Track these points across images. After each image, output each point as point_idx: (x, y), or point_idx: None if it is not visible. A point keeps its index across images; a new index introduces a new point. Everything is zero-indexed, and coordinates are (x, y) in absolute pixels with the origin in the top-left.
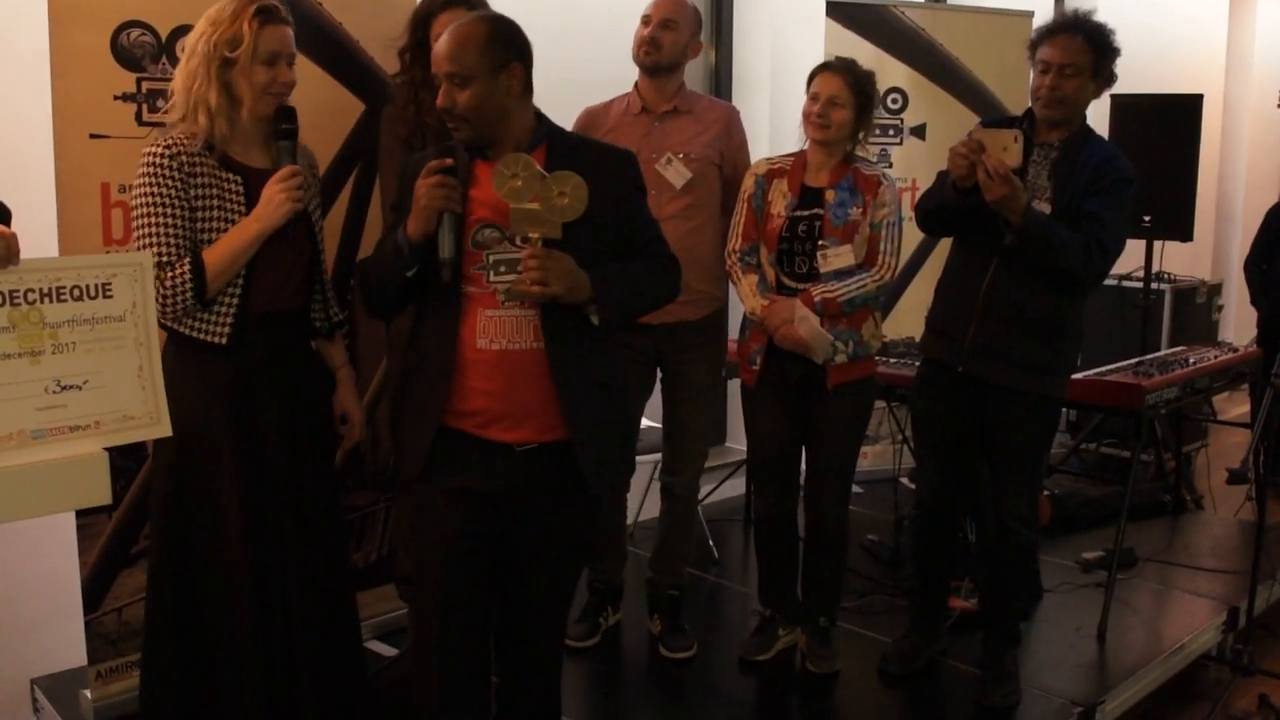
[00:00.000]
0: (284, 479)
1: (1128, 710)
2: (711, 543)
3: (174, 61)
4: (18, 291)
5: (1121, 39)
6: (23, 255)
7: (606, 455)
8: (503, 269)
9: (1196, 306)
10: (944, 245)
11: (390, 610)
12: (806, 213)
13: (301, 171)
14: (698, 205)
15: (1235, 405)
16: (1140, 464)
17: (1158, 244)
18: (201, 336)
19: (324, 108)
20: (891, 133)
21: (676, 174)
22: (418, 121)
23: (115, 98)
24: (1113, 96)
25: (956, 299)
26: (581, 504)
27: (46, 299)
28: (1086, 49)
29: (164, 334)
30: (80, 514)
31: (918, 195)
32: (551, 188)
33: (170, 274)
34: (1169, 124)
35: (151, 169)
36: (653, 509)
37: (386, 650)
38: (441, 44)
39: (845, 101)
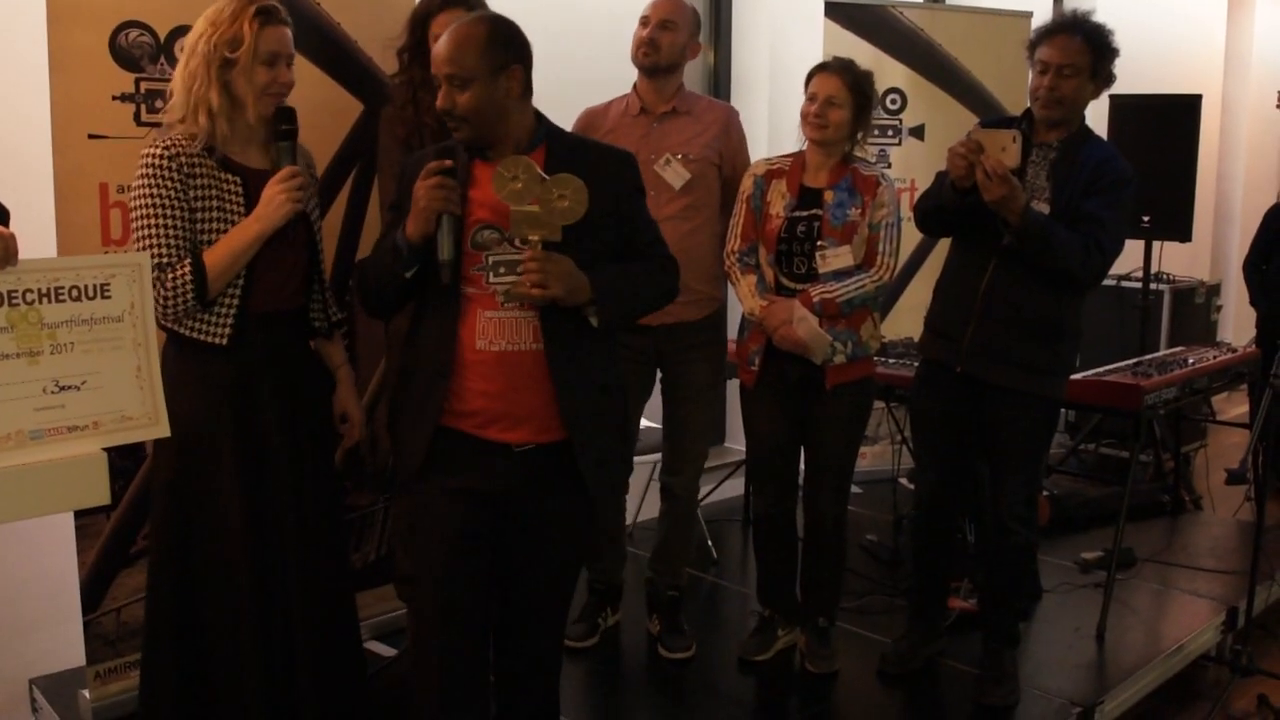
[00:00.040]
0: (284, 479)
1: (1127, 710)
2: (710, 543)
3: (173, 62)
4: (16, 292)
5: (1120, 39)
6: (21, 255)
7: (605, 456)
8: (502, 270)
9: (1195, 307)
10: (943, 245)
11: (389, 610)
12: (805, 213)
13: (300, 172)
14: (696, 206)
15: (1234, 405)
16: (1139, 464)
17: (1156, 244)
18: (202, 337)
19: (322, 108)
20: (890, 133)
21: (675, 175)
22: (416, 121)
23: (114, 98)
24: (1111, 97)
25: (955, 299)
26: (580, 504)
27: (45, 299)
28: (1085, 49)
29: (163, 335)
30: (79, 514)
31: (916, 196)
32: (552, 190)
33: (171, 275)
34: (1168, 124)
35: (150, 170)
36: (652, 509)
37: (385, 650)
38: (441, 45)
39: (843, 101)
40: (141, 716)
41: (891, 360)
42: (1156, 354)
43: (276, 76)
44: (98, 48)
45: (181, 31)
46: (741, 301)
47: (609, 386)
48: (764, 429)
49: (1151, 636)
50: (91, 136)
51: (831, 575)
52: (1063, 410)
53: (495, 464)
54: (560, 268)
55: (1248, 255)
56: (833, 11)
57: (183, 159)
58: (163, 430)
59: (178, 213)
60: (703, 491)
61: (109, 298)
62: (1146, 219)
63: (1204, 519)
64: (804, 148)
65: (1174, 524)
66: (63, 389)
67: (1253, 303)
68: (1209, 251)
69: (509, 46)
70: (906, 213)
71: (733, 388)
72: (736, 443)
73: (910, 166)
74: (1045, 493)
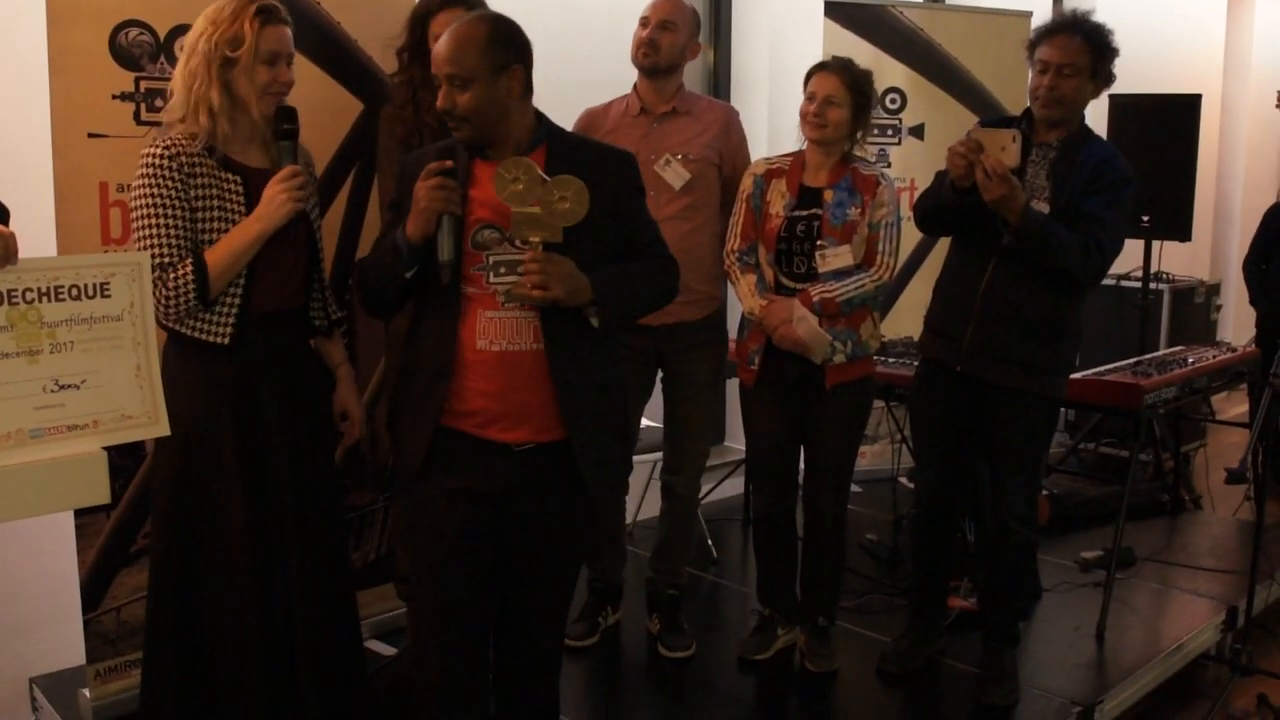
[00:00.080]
0: (285, 478)
1: (1126, 710)
2: (710, 542)
3: (172, 61)
4: (16, 291)
5: (1120, 39)
6: (21, 254)
7: (605, 456)
8: (502, 270)
9: (1195, 306)
10: (942, 245)
11: (389, 610)
12: (805, 213)
13: (301, 171)
14: (696, 206)
15: (1234, 405)
16: (1139, 464)
17: (1156, 244)
18: (203, 337)
19: (322, 107)
20: (890, 133)
21: (675, 175)
22: (416, 121)
23: (113, 97)
24: (1111, 96)
25: (955, 299)
26: (580, 504)
27: (44, 298)
28: (1085, 49)
29: (164, 335)
30: (79, 513)
31: (916, 195)
32: (553, 191)
33: (172, 275)
34: (1167, 124)
35: (150, 170)
36: (652, 508)
37: (386, 649)
38: (441, 45)
39: (842, 100)
40: (142, 715)
41: (891, 360)
42: (1156, 353)
43: (277, 76)
44: (97, 47)
45: (181, 31)
46: (741, 301)
47: (609, 386)
48: (764, 428)
49: (1151, 636)
50: (91, 135)
51: (831, 574)
52: (1063, 409)
53: (495, 464)
54: (561, 269)
55: (1247, 255)
56: (832, 11)
57: (183, 158)
58: (162, 429)
59: (178, 212)
60: (703, 491)
61: (109, 297)
62: (1146, 219)
63: (1204, 518)
64: (804, 147)
65: (1174, 523)
66: (62, 388)
67: (1252, 302)
68: (1209, 251)
69: (510, 46)
70: (906, 212)
71: (733, 387)
72: (736, 442)
73: (910, 166)
74: (1045, 492)
